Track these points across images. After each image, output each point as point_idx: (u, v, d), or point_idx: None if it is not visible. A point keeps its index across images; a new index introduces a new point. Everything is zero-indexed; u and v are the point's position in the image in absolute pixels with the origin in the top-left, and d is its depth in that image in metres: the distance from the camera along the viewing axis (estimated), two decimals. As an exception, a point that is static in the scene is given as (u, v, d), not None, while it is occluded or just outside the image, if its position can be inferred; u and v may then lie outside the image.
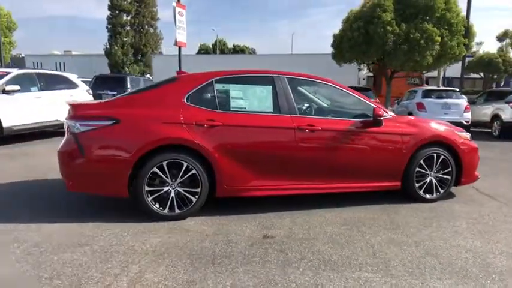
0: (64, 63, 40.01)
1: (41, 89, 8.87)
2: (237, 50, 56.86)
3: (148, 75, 27.08)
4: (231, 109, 3.80)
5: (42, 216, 3.65)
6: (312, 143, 3.86)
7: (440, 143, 4.28)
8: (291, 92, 3.94)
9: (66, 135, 3.69)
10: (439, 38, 14.40)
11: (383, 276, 2.60)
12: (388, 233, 3.40)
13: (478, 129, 12.85)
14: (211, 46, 57.01)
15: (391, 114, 4.22)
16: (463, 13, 15.50)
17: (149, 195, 3.52)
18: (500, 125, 11.26)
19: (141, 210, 3.59)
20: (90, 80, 13.51)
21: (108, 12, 31.92)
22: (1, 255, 2.81)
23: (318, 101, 4.45)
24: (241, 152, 3.69)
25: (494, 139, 11.20)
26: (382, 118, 4.00)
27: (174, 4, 17.95)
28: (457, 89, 12.56)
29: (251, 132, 3.74)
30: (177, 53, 16.14)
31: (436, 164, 4.29)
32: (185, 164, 3.53)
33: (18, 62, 38.08)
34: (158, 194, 3.55)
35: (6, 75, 8.19)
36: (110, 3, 31.60)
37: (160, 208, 3.56)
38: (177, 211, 3.59)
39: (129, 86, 13.09)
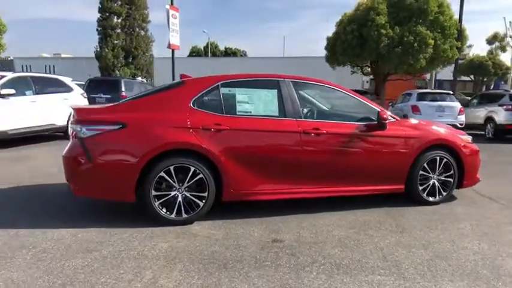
0: (54, 66, 39.66)
1: (35, 93, 8.77)
2: (229, 53, 56.93)
3: (139, 78, 26.94)
4: (237, 113, 3.80)
5: (46, 221, 3.61)
6: (317, 146, 3.88)
7: (443, 146, 4.33)
8: (296, 95, 3.96)
9: (71, 139, 3.66)
10: (432, 41, 14.58)
11: (396, 279, 2.62)
12: (396, 236, 3.43)
13: (471, 131, 13.01)
14: (202, 49, 56.99)
15: (395, 117, 4.26)
16: (456, 16, 15.71)
17: (156, 200, 3.50)
18: (494, 127, 11.44)
19: (147, 214, 3.57)
20: (84, 83, 13.37)
21: (98, 15, 31.70)
22: (11, 261, 2.77)
23: (322, 104, 4.48)
24: (248, 156, 3.70)
25: (488, 141, 11.37)
26: (387, 122, 4.04)
27: (168, 7, 17.92)
28: (451, 92, 12.73)
29: (257, 136, 3.75)
30: (169, 55, 16.10)
31: (439, 167, 4.34)
32: (192, 169, 3.52)
33: (7, 64, 37.56)
34: (165, 198, 3.53)
35: (1, 78, 8.08)
36: (100, 6, 31.34)
37: (168, 213, 3.55)
38: (184, 215, 3.58)
39: (123, 89, 12.99)
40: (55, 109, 9.08)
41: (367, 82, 24.25)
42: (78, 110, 3.67)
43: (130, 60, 33.66)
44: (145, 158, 3.40)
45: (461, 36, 15.70)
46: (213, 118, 3.65)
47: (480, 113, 12.19)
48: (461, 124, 11.42)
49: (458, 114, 11.55)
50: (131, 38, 33.04)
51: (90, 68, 34.17)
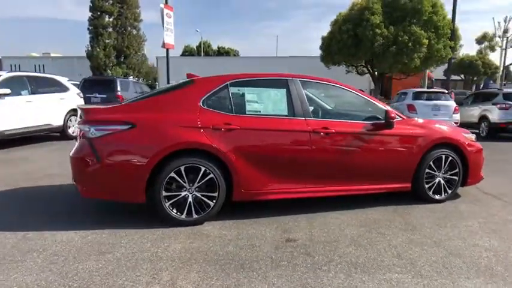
0: (43, 65, 39.14)
1: (31, 93, 8.62)
2: (222, 52, 56.79)
3: (131, 77, 26.69)
4: (247, 112, 3.79)
5: (53, 223, 3.55)
6: (326, 145, 3.87)
7: (448, 145, 4.37)
8: (304, 95, 3.96)
9: (78, 140, 3.60)
10: (426, 41, 14.74)
11: (413, 277, 2.63)
12: (407, 234, 3.44)
13: (465, 129, 13.16)
14: (195, 48, 56.75)
15: (402, 116, 4.28)
16: (449, 16, 15.89)
17: (166, 201, 3.47)
18: (488, 125, 11.60)
19: (157, 215, 3.53)
20: (78, 83, 13.21)
21: (89, 14, 31.36)
22: (22, 265, 2.72)
23: (330, 103, 4.48)
24: (258, 155, 3.68)
25: (482, 140, 11.48)
26: (394, 121, 4.06)
27: (162, 6, 17.80)
28: (446, 91, 12.87)
29: (267, 135, 3.73)
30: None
31: (445, 165, 4.38)
32: (203, 169, 3.50)
33: (-5, 64, 37.04)
34: (176, 199, 3.50)
35: (-4, 78, 7.93)
36: (91, 5, 31.04)
37: (178, 213, 3.51)
38: (195, 216, 3.55)
39: (119, 88, 12.87)
40: (51, 109, 8.96)
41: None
42: (86, 110, 3.61)
43: (122, 60, 33.42)
44: (156, 158, 3.36)
45: (454, 35, 15.89)
46: (223, 118, 3.63)
47: (474, 112, 12.34)
48: (456, 123, 11.54)
49: (453, 113, 11.67)
50: (123, 37, 32.78)
51: (81, 68, 33.83)
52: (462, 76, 37.49)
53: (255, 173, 3.68)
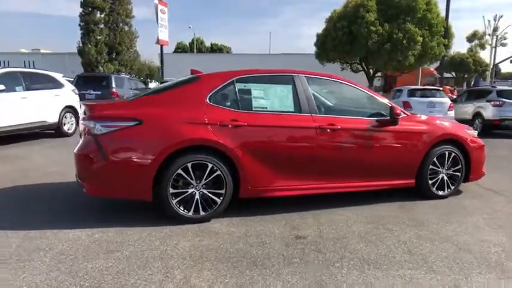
0: (33, 62, 38.57)
1: (26, 89, 8.45)
2: (215, 49, 56.55)
3: (123, 74, 26.41)
4: (253, 109, 3.75)
5: (56, 222, 3.49)
6: (333, 142, 3.86)
7: (451, 141, 4.39)
8: (310, 91, 3.94)
9: (83, 136, 3.53)
10: (420, 38, 14.85)
11: (426, 273, 2.63)
12: (414, 230, 3.45)
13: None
14: (188, 44, 56.40)
15: (406, 113, 4.28)
16: (442, 14, 16.02)
17: (173, 198, 3.43)
18: (482, 122, 11.72)
19: (163, 213, 3.49)
20: (72, 79, 13.01)
21: (80, 9, 30.93)
22: (30, 264, 2.66)
23: (335, 100, 4.47)
24: (265, 152, 3.65)
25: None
26: (399, 117, 4.06)
27: (156, 1, 17.66)
28: (441, 88, 12.96)
29: (274, 132, 3.71)
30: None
31: (448, 162, 4.40)
32: (210, 165, 3.46)
33: (-18, 60, 36.41)
34: (183, 196, 3.46)
35: (-11, 74, 7.77)
36: (82, 0, 30.60)
37: (185, 211, 3.48)
38: (202, 213, 3.51)
39: (114, 85, 12.71)
40: (46, 106, 8.80)
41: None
42: (91, 106, 3.54)
43: (114, 56, 33.04)
44: (163, 155, 3.31)
45: (447, 33, 16.03)
46: (230, 114, 3.59)
47: (468, 109, 12.46)
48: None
49: (448, 110, 11.78)
50: (115, 33, 32.39)
51: (73, 64, 33.41)
52: (453, 73, 37.88)
53: (262, 169, 3.65)
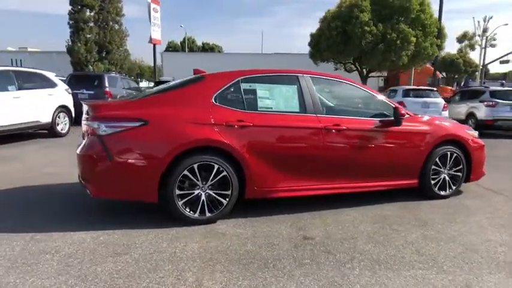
0: (21, 60, 37.96)
1: (18, 88, 8.29)
2: (206, 48, 56.34)
3: (114, 73, 26.14)
4: (259, 109, 3.73)
5: (60, 224, 3.42)
6: (338, 142, 3.86)
7: (453, 141, 4.43)
8: (315, 91, 3.93)
9: (86, 137, 3.47)
10: (414, 39, 14.98)
11: (437, 273, 2.65)
12: (420, 230, 3.47)
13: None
14: (179, 44, 56.07)
15: (409, 113, 4.30)
16: (435, 15, 16.18)
17: (180, 199, 3.39)
18: (475, 122, 11.85)
19: (168, 214, 3.46)
20: (64, 78, 12.81)
21: (69, 7, 30.51)
22: (36, 268, 2.60)
23: (338, 100, 4.47)
24: (271, 153, 3.64)
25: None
26: (404, 118, 4.08)
27: (149, 0, 17.50)
28: (435, 88, 13.10)
29: (280, 132, 3.70)
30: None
31: (449, 162, 4.44)
32: (216, 166, 3.43)
33: (-32, 59, 35.69)
34: (189, 197, 3.42)
35: (-18, 73, 7.62)
36: (71, -2, 30.18)
37: (191, 212, 3.44)
38: (208, 214, 3.48)
39: (107, 85, 12.53)
40: (39, 105, 8.66)
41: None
42: (94, 106, 3.48)
43: (104, 55, 32.68)
44: (170, 155, 3.28)
45: (440, 34, 16.20)
46: (236, 114, 3.57)
47: (462, 109, 12.60)
48: (444, 120, 11.76)
49: (442, 110, 11.90)
50: (105, 32, 32.03)
51: (61, 63, 32.95)
52: (444, 74, 38.35)
53: (268, 170, 3.64)
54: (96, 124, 3.30)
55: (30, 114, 8.42)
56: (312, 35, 17.80)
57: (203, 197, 3.46)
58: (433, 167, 4.35)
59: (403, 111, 4.07)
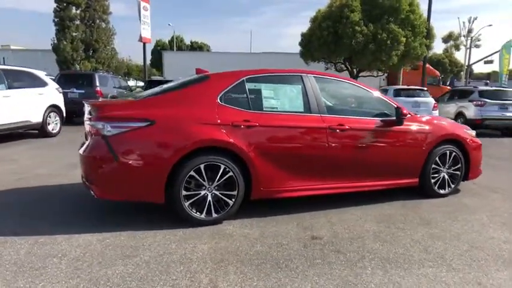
0: (4, 58, 37.06)
1: (8, 87, 8.10)
2: (195, 47, 55.96)
3: (101, 71, 25.74)
4: (264, 109, 3.72)
5: (63, 226, 3.36)
6: (342, 142, 3.88)
7: (452, 141, 4.50)
8: (319, 91, 3.94)
9: (89, 137, 3.41)
10: (403, 39, 15.15)
11: (447, 271, 2.68)
12: (425, 229, 3.52)
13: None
14: (167, 42, 55.58)
15: (410, 113, 4.35)
16: (424, 15, 16.41)
17: (186, 200, 3.36)
18: (464, 121, 12.06)
19: (179, 216, 3.42)
20: (54, 77, 12.56)
21: (55, 5, 29.90)
22: (45, 271, 2.55)
23: (341, 100, 4.49)
24: (276, 153, 3.63)
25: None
26: (406, 117, 4.12)
27: (139, -2, 17.30)
28: (425, 88, 13.29)
29: (286, 132, 3.69)
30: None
31: (449, 161, 4.51)
32: (222, 167, 3.41)
33: None
34: (195, 198, 3.40)
35: (-30, 71, 7.41)
36: (56, -5, 29.57)
37: (198, 213, 3.41)
38: (214, 215, 3.46)
39: (98, 84, 12.36)
40: (30, 105, 8.49)
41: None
42: (98, 106, 3.42)
43: (90, 54, 32.16)
44: (177, 156, 3.24)
45: (429, 34, 16.44)
46: (242, 114, 3.55)
47: (451, 109, 12.82)
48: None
49: (433, 110, 12.09)
50: (91, 30, 31.48)
51: (47, 62, 32.31)
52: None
53: (273, 170, 3.63)
54: (101, 124, 3.24)
55: (21, 114, 8.24)
56: (303, 35, 17.86)
57: (209, 198, 3.44)
58: (433, 166, 4.42)
59: (405, 111, 4.12)
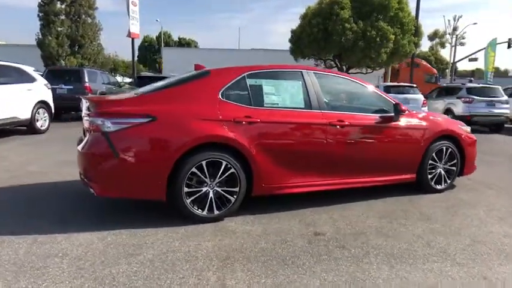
0: (-15, 54, 36.13)
1: (-5, 83, 7.88)
2: (183, 43, 55.49)
3: (88, 67, 25.30)
4: (265, 105, 3.69)
5: (62, 225, 3.27)
6: (342, 138, 3.88)
7: (449, 137, 4.55)
8: (319, 87, 3.93)
9: (88, 134, 3.32)
10: (392, 36, 15.29)
11: (452, 265, 2.71)
12: (425, 224, 3.55)
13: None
14: (155, 38, 54.95)
15: (408, 109, 4.38)
16: (413, 13, 16.58)
17: (187, 197, 3.31)
18: (452, 118, 12.26)
19: (181, 213, 3.37)
20: (41, 73, 12.26)
21: (39, -1, 29.21)
22: (47, 271, 2.47)
23: (340, 96, 4.49)
24: (278, 149, 3.61)
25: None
26: (404, 114, 4.15)
27: (127, -7, 17.00)
28: (415, 85, 13.44)
29: (287, 128, 3.67)
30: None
31: (445, 156, 4.56)
32: (224, 163, 3.38)
33: None
34: (197, 195, 3.35)
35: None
36: (41, -11, 28.92)
37: (199, 210, 3.37)
38: (216, 212, 3.43)
39: (86, 79, 12.12)
40: (18, 101, 8.26)
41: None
42: (97, 102, 3.34)
43: (76, 49, 31.57)
44: (179, 152, 3.19)
45: (418, 32, 16.63)
46: (243, 110, 3.51)
47: (439, 105, 13.01)
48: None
49: (422, 106, 12.24)
50: (77, 25, 30.93)
51: (31, 57, 31.60)
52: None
53: (275, 166, 3.61)
54: (100, 120, 3.17)
55: (8, 110, 8.01)
56: (293, 32, 17.87)
57: (211, 195, 3.40)
58: (430, 161, 4.46)
59: (403, 107, 4.15)
